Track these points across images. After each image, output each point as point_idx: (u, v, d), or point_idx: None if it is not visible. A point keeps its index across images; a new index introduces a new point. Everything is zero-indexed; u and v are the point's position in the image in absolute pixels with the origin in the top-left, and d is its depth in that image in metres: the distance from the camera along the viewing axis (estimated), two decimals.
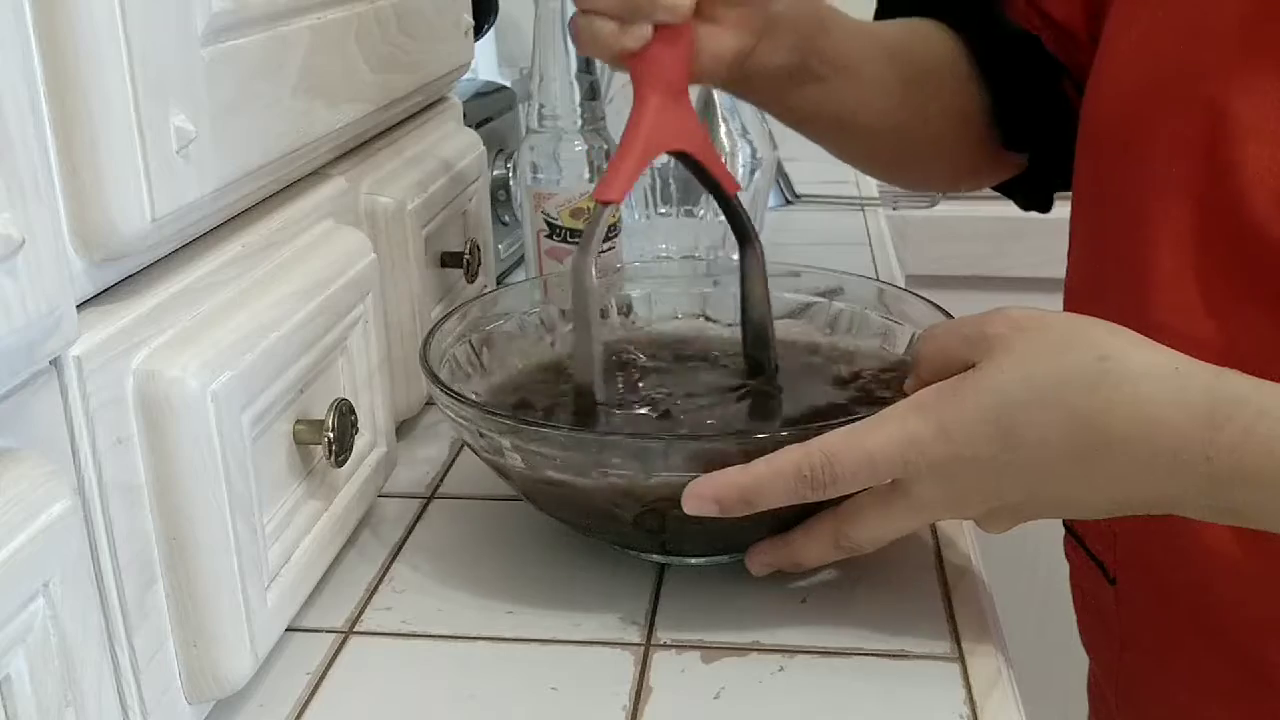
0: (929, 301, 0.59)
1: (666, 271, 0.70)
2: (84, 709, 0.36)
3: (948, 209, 1.33)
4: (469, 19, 0.75)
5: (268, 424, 0.46)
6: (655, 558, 0.55)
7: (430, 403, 0.68)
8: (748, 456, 0.47)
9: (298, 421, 0.49)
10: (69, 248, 0.37)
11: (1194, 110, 0.53)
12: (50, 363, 0.36)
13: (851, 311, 0.64)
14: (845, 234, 1.09)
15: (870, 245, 1.05)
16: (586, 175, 0.75)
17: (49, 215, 0.33)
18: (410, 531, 0.59)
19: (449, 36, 0.71)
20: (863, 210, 1.16)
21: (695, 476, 0.47)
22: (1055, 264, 0.66)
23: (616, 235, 0.78)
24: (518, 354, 0.63)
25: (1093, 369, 0.43)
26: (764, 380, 0.60)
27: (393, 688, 0.48)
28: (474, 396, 0.57)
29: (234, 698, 0.46)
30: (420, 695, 0.47)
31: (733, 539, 0.52)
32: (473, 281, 0.73)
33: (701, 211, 0.88)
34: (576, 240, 0.75)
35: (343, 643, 0.50)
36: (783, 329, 0.62)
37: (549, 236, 0.76)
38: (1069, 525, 0.69)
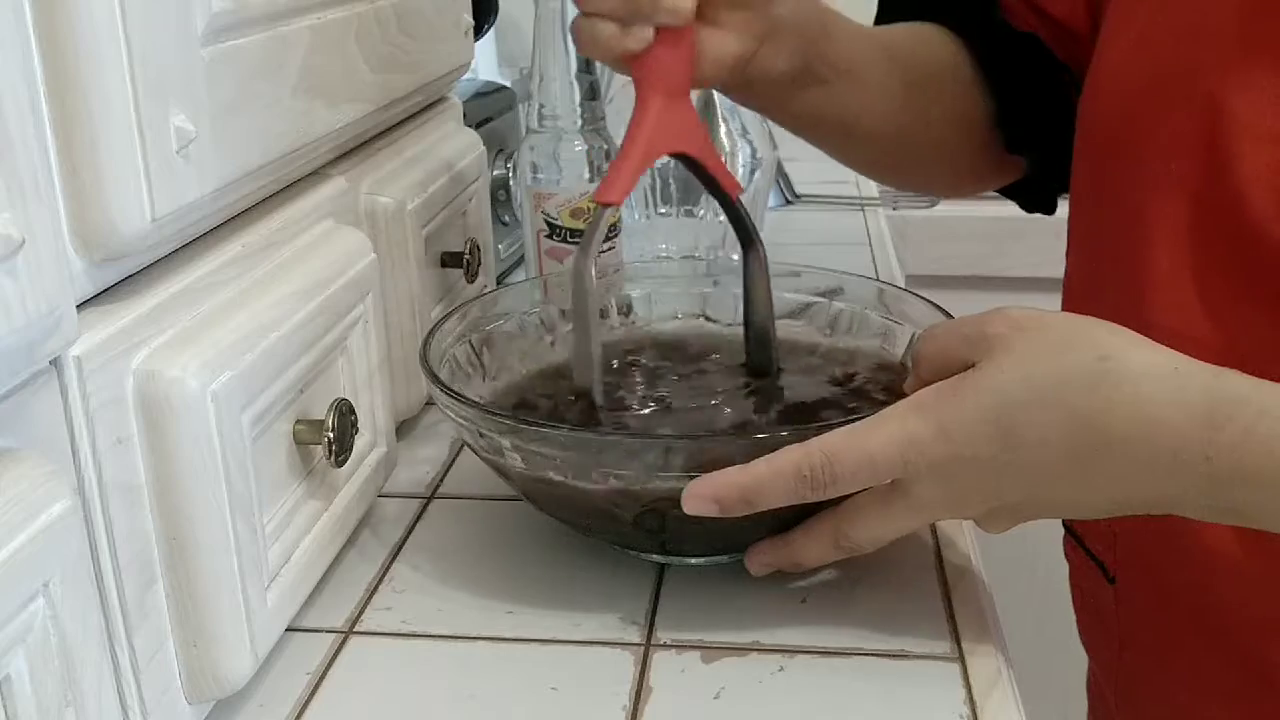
0: (929, 301, 0.59)
1: (666, 271, 0.70)
2: (84, 709, 0.36)
3: (948, 209, 1.33)
4: (469, 19, 0.75)
5: (268, 424, 0.46)
6: (655, 558, 0.55)
7: (430, 403, 0.68)
8: (748, 457, 0.47)
9: (298, 421, 0.49)
10: (69, 248, 0.37)
11: (1192, 108, 0.53)
12: (50, 363, 0.36)
13: (851, 311, 0.64)
14: (845, 234, 1.09)
15: (870, 245, 1.05)
16: (586, 175, 0.75)
17: (49, 215, 0.33)
18: (410, 531, 0.59)
19: (449, 36, 0.71)
20: (863, 210, 1.16)
21: (695, 477, 0.47)
22: (1055, 264, 0.66)
23: (616, 235, 0.78)
24: (518, 354, 0.63)
25: (1093, 369, 0.43)
26: (766, 381, 0.60)
27: (393, 688, 0.48)
28: (478, 399, 0.57)
29: (234, 698, 0.46)
30: (420, 695, 0.47)
31: (733, 539, 0.52)
32: (473, 281, 0.73)
33: (701, 211, 0.88)
34: (577, 240, 0.75)
35: (343, 643, 0.50)
36: (783, 329, 0.62)
37: (549, 236, 0.76)
38: (1068, 525, 0.69)
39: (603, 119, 0.76)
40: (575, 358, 0.56)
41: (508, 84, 1.02)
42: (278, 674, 0.48)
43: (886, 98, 0.66)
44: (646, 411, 0.57)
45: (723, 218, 0.61)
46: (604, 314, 0.66)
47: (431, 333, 0.57)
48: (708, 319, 0.67)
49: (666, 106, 0.55)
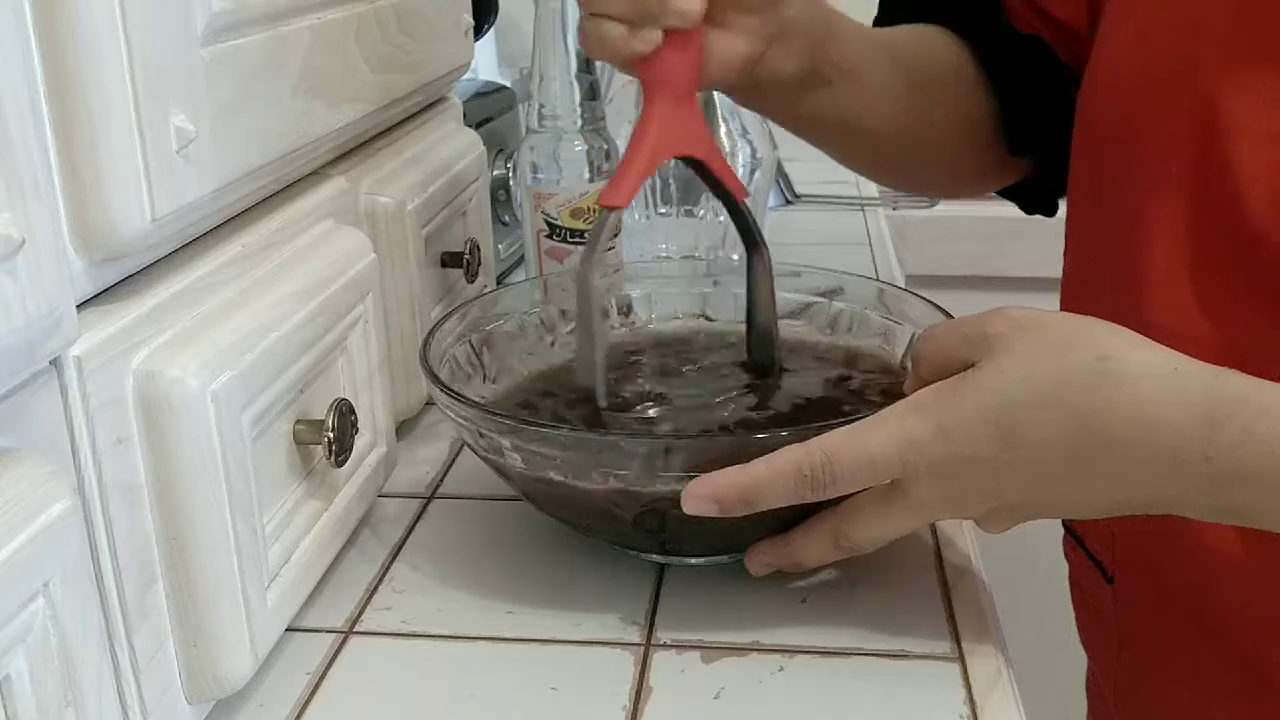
0: (929, 301, 0.59)
1: (666, 271, 0.70)
2: (84, 709, 0.36)
3: (948, 209, 1.33)
4: (469, 19, 0.75)
5: (268, 424, 0.46)
6: (655, 558, 0.55)
7: (430, 403, 0.68)
8: (748, 457, 0.47)
9: (298, 421, 0.49)
10: (69, 248, 0.37)
11: (1189, 108, 0.53)
12: (50, 363, 0.36)
13: (851, 311, 0.64)
14: (845, 234, 1.09)
15: (870, 245, 1.05)
16: (586, 175, 0.75)
17: (49, 215, 0.34)
18: (410, 531, 0.59)
19: (449, 36, 0.71)
20: (863, 210, 1.16)
21: (695, 477, 0.47)
22: (1055, 264, 0.66)
23: (617, 235, 0.78)
24: (518, 354, 0.63)
25: (1092, 369, 0.43)
26: (767, 382, 0.60)
27: (393, 688, 0.48)
28: (479, 399, 0.57)
29: (234, 698, 0.46)
30: (420, 695, 0.47)
31: (733, 539, 0.52)
32: (473, 281, 0.73)
33: (701, 211, 0.88)
34: (577, 240, 0.75)
35: (343, 643, 0.50)
36: (783, 328, 0.62)
37: (549, 236, 0.76)
38: (1068, 525, 0.69)
39: (603, 119, 0.76)
40: (579, 362, 0.56)
41: (508, 84, 1.02)
42: (278, 674, 0.48)
43: (890, 99, 0.66)
44: (647, 411, 0.57)
45: (723, 218, 0.61)
46: (604, 314, 0.66)
47: (431, 333, 0.57)
48: (708, 319, 0.67)
49: (673, 109, 0.55)
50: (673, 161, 0.58)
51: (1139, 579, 0.62)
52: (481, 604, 0.52)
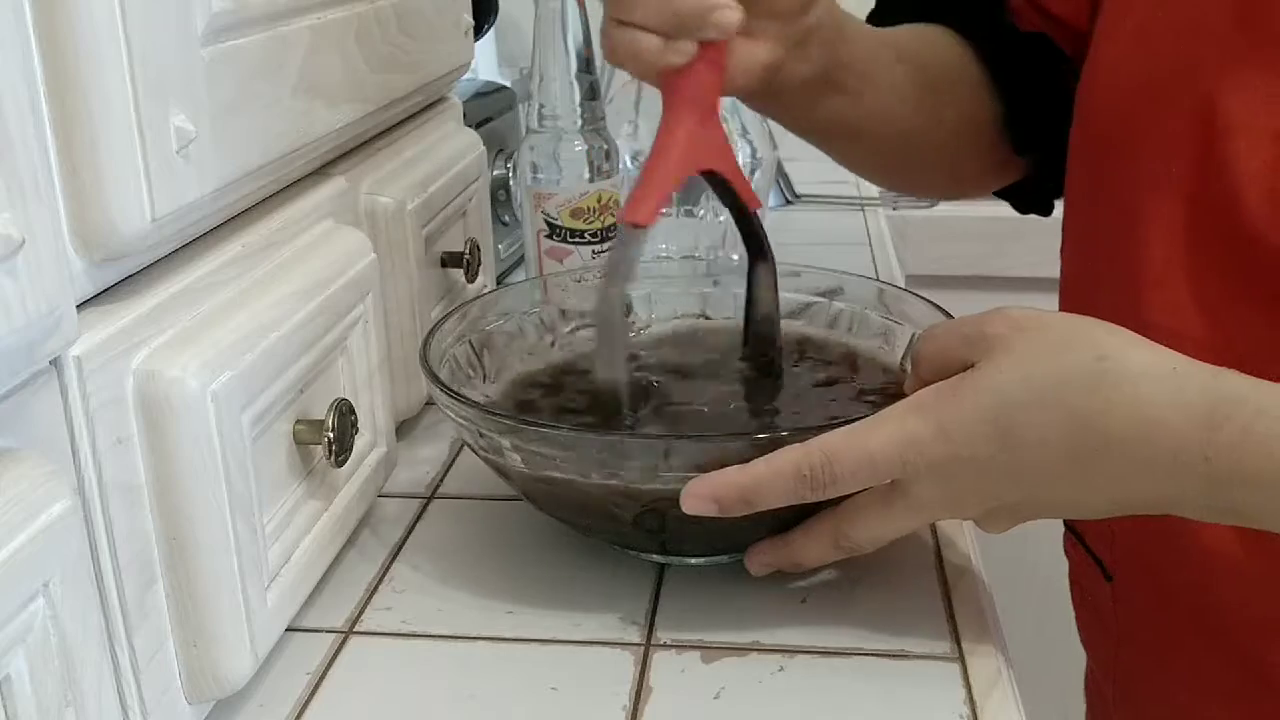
0: (929, 301, 0.59)
1: (666, 271, 0.70)
2: (84, 709, 0.36)
3: (948, 209, 1.33)
4: (469, 19, 0.75)
5: (268, 424, 0.46)
6: (655, 558, 0.55)
7: (430, 403, 0.68)
8: (748, 457, 0.47)
9: (298, 421, 0.49)
10: (69, 248, 0.37)
11: (1188, 107, 0.53)
12: (50, 363, 0.36)
13: (851, 311, 0.64)
14: (845, 234, 1.09)
15: (870, 245, 1.05)
16: (586, 175, 0.75)
17: (49, 215, 0.34)
18: (410, 531, 0.59)
19: (449, 36, 0.71)
20: (863, 210, 1.16)
21: (695, 476, 0.47)
22: (1054, 264, 0.66)
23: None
24: (518, 354, 0.63)
25: (1092, 369, 0.43)
26: (766, 382, 0.60)
27: (393, 688, 0.48)
28: (483, 398, 0.57)
29: (234, 698, 0.46)
30: (420, 695, 0.47)
31: (733, 539, 0.52)
32: (473, 281, 0.73)
33: (701, 211, 0.88)
34: (577, 240, 0.75)
35: (343, 643, 0.50)
36: (784, 327, 0.62)
37: (549, 236, 0.76)
38: (1069, 522, 0.69)
39: (603, 119, 0.76)
40: (602, 387, 0.54)
41: (508, 84, 1.02)
42: (278, 674, 0.48)
43: (901, 101, 0.66)
44: (647, 411, 0.57)
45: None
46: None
47: (431, 333, 0.57)
48: (707, 319, 0.67)
49: (698, 123, 0.53)
50: None
51: (1138, 578, 0.62)
52: (481, 604, 0.52)
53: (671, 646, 0.49)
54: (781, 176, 1.18)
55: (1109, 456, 0.43)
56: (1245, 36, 0.52)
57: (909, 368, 0.53)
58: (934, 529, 0.56)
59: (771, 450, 0.46)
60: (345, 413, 0.50)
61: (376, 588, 0.54)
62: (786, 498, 0.46)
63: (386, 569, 0.55)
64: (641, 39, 0.52)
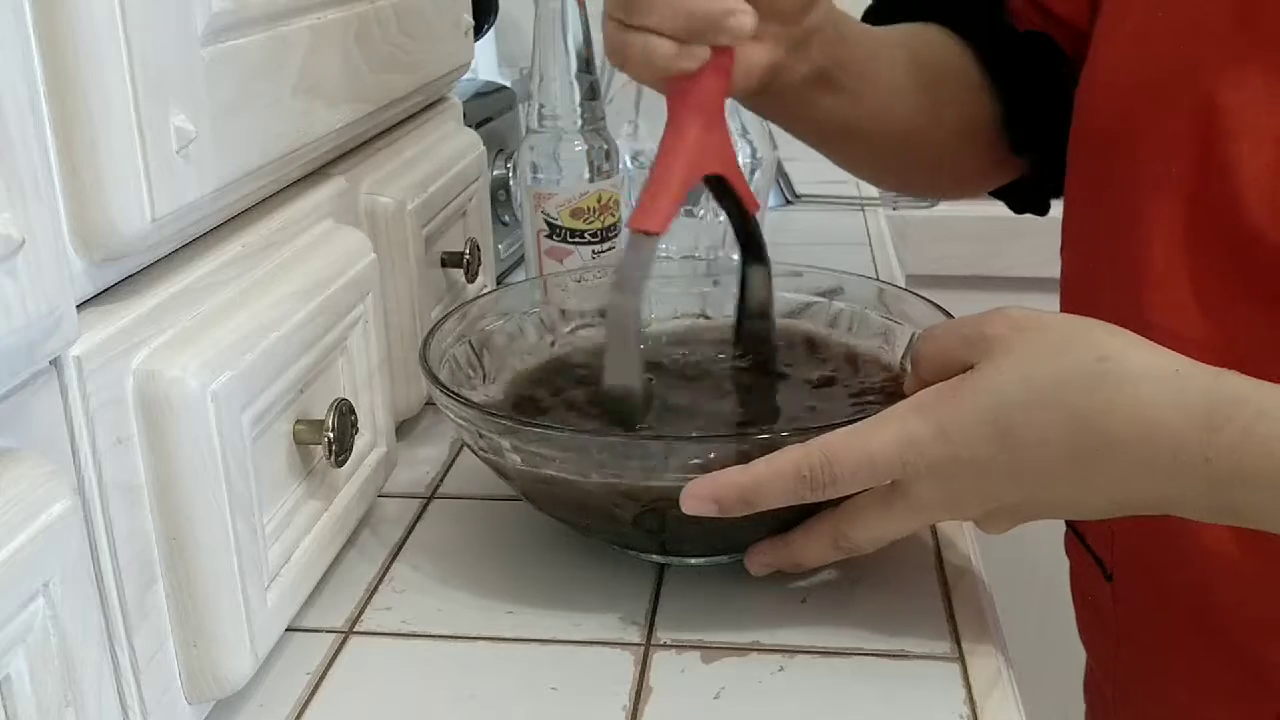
0: (929, 301, 0.59)
1: (666, 271, 0.70)
2: (84, 709, 0.36)
3: (947, 209, 1.33)
4: (469, 19, 0.75)
5: (268, 424, 0.46)
6: (655, 558, 0.55)
7: (430, 403, 0.68)
8: (748, 457, 0.47)
9: (298, 421, 0.49)
10: (69, 248, 0.37)
11: (1188, 107, 0.53)
12: (50, 363, 0.36)
13: (851, 311, 0.64)
14: (845, 234, 1.09)
15: (870, 245, 1.05)
16: (586, 175, 0.75)
17: (49, 215, 0.34)
18: (410, 531, 0.59)
19: (449, 36, 0.71)
20: (863, 210, 1.16)
21: (694, 477, 0.47)
22: (1054, 264, 0.66)
23: (616, 235, 0.78)
24: (518, 355, 0.63)
25: (1092, 370, 0.43)
26: (765, 383, 0.60)
27: (393, 688, 0.48)
28: (485, 397, 0.57)
29: (234, 698, 0.46)
30: (420, 695, 0.47)
31: (732, 539, 0.52)
32: (473, 281, 0.73)
33: (701, 211, 0.88)
34: (576, 240, 0.75)
35: (343, 643, 0.50)
36: (784, 328, 0.62)
37: (549, 236, 0.76)
38: (1070, 521, 0.69)
39: (603, 119, 0.76)
40: (612, 391, 0.53)
41: (508, 84, 1.02)
42: (278, 674, 0.48)
43: (900, 101, 0.66)
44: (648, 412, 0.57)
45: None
46: (604, 314, 0.66)
47: (431, 333, 0.57)
48: (707, 318, 0.67)
49: (706, 128, 0.53)
50: None
51: (1138, 577, 0.62)
52: (481, 604, 0.52)
53: (671, 646, 0.49)
54: (781, 176, 1.18)
55: (1109, 457, 0.43)
56: (1245, 36, 0.52)
57: (909, 368, 0.53)
58: (934, 529, 0.56)
59: (771, 450, 0.46)
60: (345, 413, 0.50)
61: (376, 588, 0.54)
62: (786, 498, 0.46)
63: (386, 569, 0.55)
64: (655, 44, 0.51)
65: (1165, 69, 0.55)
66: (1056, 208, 0.69)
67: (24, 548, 0.32)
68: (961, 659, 0.48)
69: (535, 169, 0.76)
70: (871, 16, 0.73)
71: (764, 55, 0.57)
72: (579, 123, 0.75)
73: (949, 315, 0.55)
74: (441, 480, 0.64)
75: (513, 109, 0.96)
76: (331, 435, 0.49)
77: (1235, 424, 0.41)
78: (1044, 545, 0.78)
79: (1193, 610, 0.58)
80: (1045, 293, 0.68)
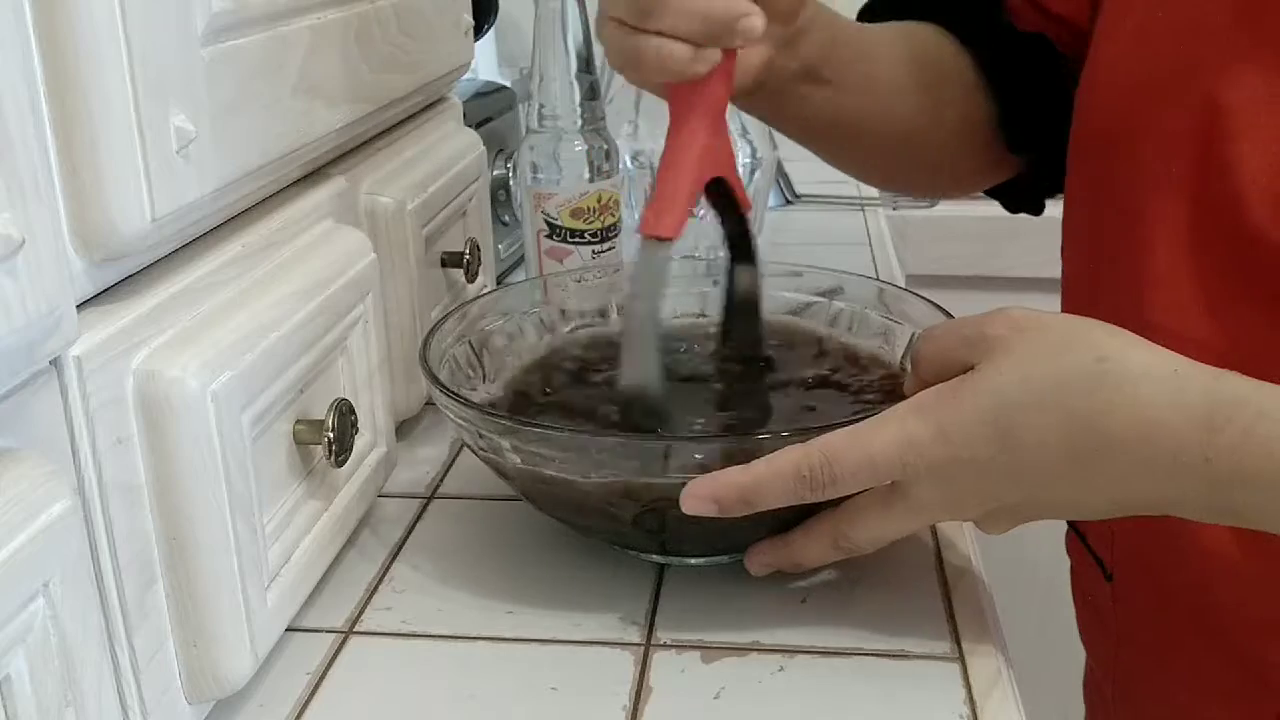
0: (929, 301, 0.59)
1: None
2: (84, 709, 0.36)
3: (947, 209, 1.33)
4: (469, 19, 0.75)
5: (268, 424, 0.46)
6: (655, 558, 0.55)
7: (430, 403, 0.68)
8: (748, 457, 0.47)
9: (298, 421, 0.49)
10: (69, 248, 0.37)
11: (1189, 107, 0.53)
12: (50, 363, 0.36)
13: (851, 311, 0.64)
14: (845, 234, 1.09)
15: (870, 245, 1.05)
16: (586, 175, 0.75)
17: (49, 215, 0.34)
18: (410, 531, 0.59)
19: (449, 36, 0.71)
20: (863, 210, 1.16)
21: (694, 477, 0.47)
22: (1055, 264, 0.66)
23: (616, 235, 0.78)
24: (518, 355, 0.63)
25: (1091, 370, 0.43)
26: (764, 382, 0.60)
27: (393, 688, 0.48)
28: (485, 397, 0.57)
29: (234, 698, 0.46)
30: (420, 695, 0.47)
31: (732, 539, 0.52)
32: (473, 281, 0.73)
33: (701, 212, 0.87)
34: (576, 240, 0.75)
35: (343, 643, 0.50)
36: (784, 327, 0.62)
37: (549, 236, 0.76)
38: (1072, 521, 0.69)
39: (603, 119, 0.76)
40: (636, 400, 0.53)
41: (508, 84, 1.02)
42: (278, 674, 0.48)
43: (902, 100, 0.66)
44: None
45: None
46: (603, 313, 0.66)
47: (431, 333, 0.57)
48: (707, 318, 0.67)
49: (712, 131, 0.53)
50: None
51: (1137, 578, 0.62)
52: (481, 604, 0.52)
53: (671, 646, 0.49)
54: (781, 176, 1.18)
55: (1109, 457, 0.43)
56: (1246, 35, 0.52)
57: (909, 368, 0.53)
58: (934, 530, 0.56)
59: (772, 450, 0.46)
60: (345, 413, 0.50)
61: (376, 588, 0.54)
62: (786, 498, 0.46)
63: (386, 569, 0.55)
64: (675, 49, 0.51)
65: (1166, 68, 0.55)
66: (1055, 207, 0.69)
67: (24, 548, 0.32)
68: (961, 659, 0.48)
69: (535, 169, 0.76)
70: (867, 15, 0.73)
71: (758, 55, 0.57)
72: (579, 123, 0.75)
73: (949, 315, 0.55)
74: (441, 480, 0.64)
75: (513, 109, 0.96)
76: (331, 435, 0.49)
77: (1235, 425, 0.41)
78: (1044, 545, 0.78)
79: (1193, 610, 0.58)
80: (1045, 293, 0.68)
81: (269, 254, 0.49)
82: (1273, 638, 0.55)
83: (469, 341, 0.60)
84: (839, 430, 0.46)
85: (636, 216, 0.88)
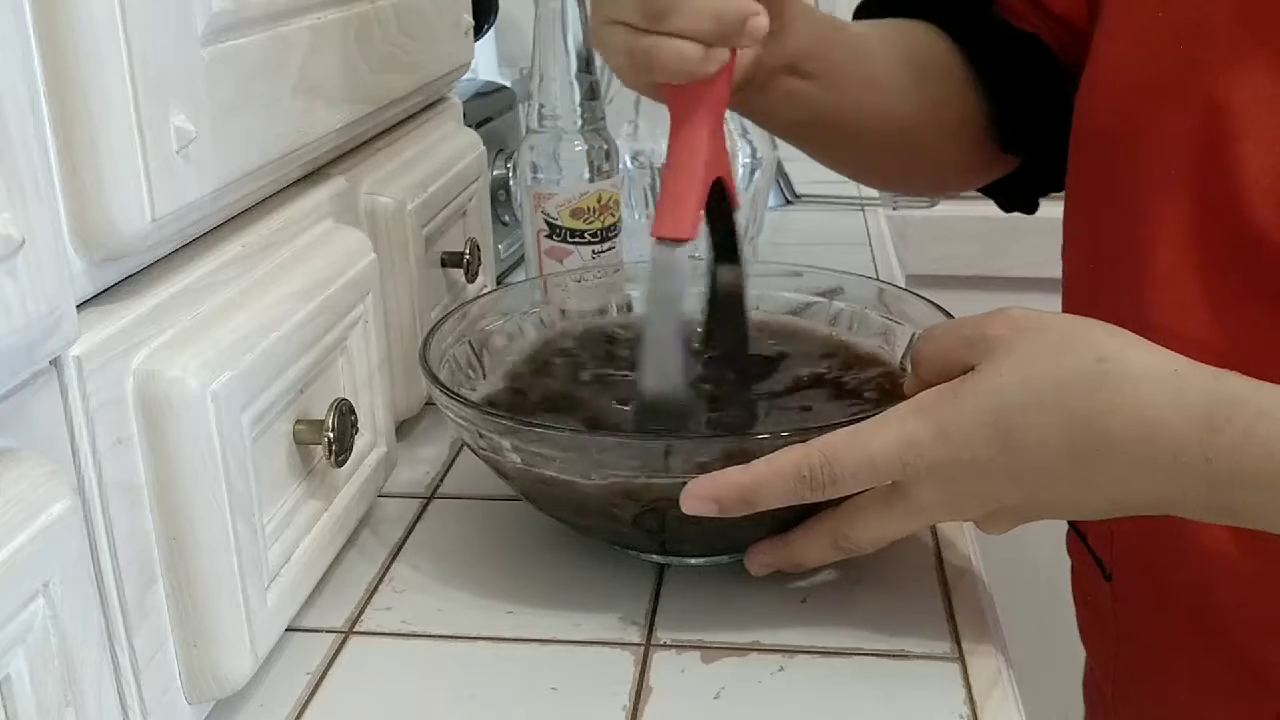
0: (929, 301, 0.59)
1: None
2: (84, 709, 0.36)
3: (948, 209, 1.33)
4: (469, 19, 0.75)
5: (268, 424, 0.46)
6: (655, 558, 0.55)
7: (430, 403, 0.68)
8: (747, 457, 0.47)
9: (298, 421, 0.49)
10: (69, 248, 0.37)
11: (1191, 107, 0.53)
12: (50, 363, 0.36)
13: (851, 311, 0.64)
14: (845, 234, 1.09)
15: (870, 245, 1.05)
16: (586, 175, 0.75)
17: (49, 215, 0.34)
18: (410, 531, 0.59)
19: (449, 36, 0.71)
20: (863, 210, 1.16)
21: (694, 477, 0.47)
22: (1055, 264, 0.66)
23: (617, 235, 0.78)
24: (518, 355, 0.63)
25: (1091, 371, 0.43)
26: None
27: (393, 688, 0.48)
28: (487, 395, 0.57)
29: (234, 698, 0.46)
30: (420, 695, 0.47)
31: (732, 539, 0.52)
32: (473, 281, 0.73)
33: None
34: (576, 240, 0.75)
35: (343, 643, 0.50)
36: (784, 328, 0.62)
37: (549, 236, 0.76)
38: (1072, 521, 0.69)
39: (603, 119, 0.76)
40: (661, 411, 0.52)
41: (508, 84, 1.02)
42: (278, 674, 0.48)
43: (901, 100, 0.66)
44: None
45: None
46: (603, 312, 0.66)
47: (431, 333, 0.57)
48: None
49: (716, 130, 0.53)
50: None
51: (1137, 578, 0.62)
52: (481, 604, 0.52)
53: (671, 646, 0.49)
54: (781, 176, 1.18)
55: (1109, 457, 0.43)
56: (1247, 35, 0.52)
57: (909, 368, 0.53)
58: (934, 530, 0.56)
59: (772, 450, 0.46)
60: (345, 413, 0.50)
61: (376, 588, 0.54)
62: (786, 498, 0.46)
63: (386, 569, 0.55)
64: (687, 49, 0.50)
65: (1167, 68, 0.55)
66: (1055, 208, 0.69)
67: (24, 548, 0.32)
68: (961, 659, 0.48)
69: (535, 169, 0.76)
70: (863, 13, 0.73)
71: (747, 52, 0.57)
72: (579, 123, 0.75)
73: (949, 315, 0.55)
74: (441, 480, 0.64)
75: (513, 109, 0.96)
76: (331, 435, 0.49)
77: (1235, 425, 0.41)
78: (1044, 545, 0.78)
79: (1193, 610, 0.58)
80: (1046, 293, 0.68)
81: (269, 254, 0.49)
82: (1273, 638, 0.55)
83: (469, 341, 0.60)
84: (839, 430, 0.46)
85: (637, 216, 0.88)
